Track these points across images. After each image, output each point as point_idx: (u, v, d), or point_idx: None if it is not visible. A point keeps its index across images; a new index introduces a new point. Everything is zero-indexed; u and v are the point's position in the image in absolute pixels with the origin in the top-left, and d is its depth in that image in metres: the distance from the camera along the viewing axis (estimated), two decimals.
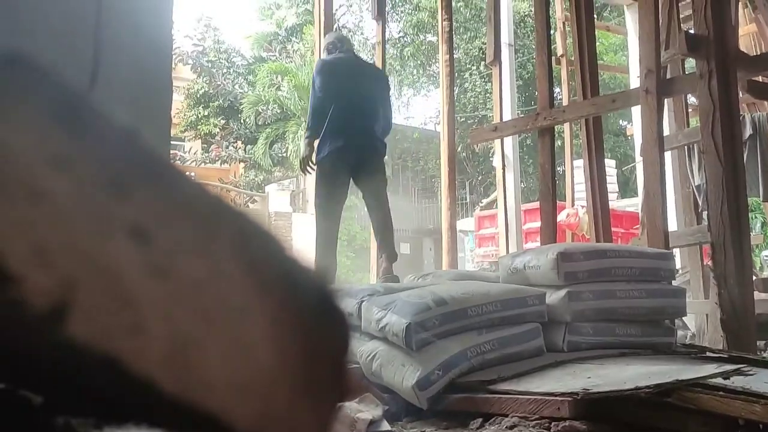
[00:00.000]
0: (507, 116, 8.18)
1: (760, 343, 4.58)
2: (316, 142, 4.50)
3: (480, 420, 2.33)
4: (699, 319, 5.30)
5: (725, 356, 2.99)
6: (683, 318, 4.61)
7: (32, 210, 0.37)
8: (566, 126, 9.97)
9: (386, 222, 4.62)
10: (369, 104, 4.55)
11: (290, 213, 15.19)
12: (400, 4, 20.70)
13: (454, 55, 7.17)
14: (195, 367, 0.38)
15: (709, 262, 4.11)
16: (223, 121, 17.99)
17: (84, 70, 1.19)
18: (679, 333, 4.38)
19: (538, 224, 5.74)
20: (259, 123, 17.14)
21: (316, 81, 4.56)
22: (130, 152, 0.43)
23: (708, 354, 3.13)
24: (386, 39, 6.98)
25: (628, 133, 15.13)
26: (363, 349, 2.83)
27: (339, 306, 0.47)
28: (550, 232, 5.09)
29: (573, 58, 5.48)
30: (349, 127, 4.38)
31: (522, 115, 9.19)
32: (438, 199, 18.31)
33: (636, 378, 2.19)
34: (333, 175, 4.43)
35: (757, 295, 4.34)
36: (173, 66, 1.44)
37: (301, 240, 14.53)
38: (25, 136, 0.38)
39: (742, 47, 6.13)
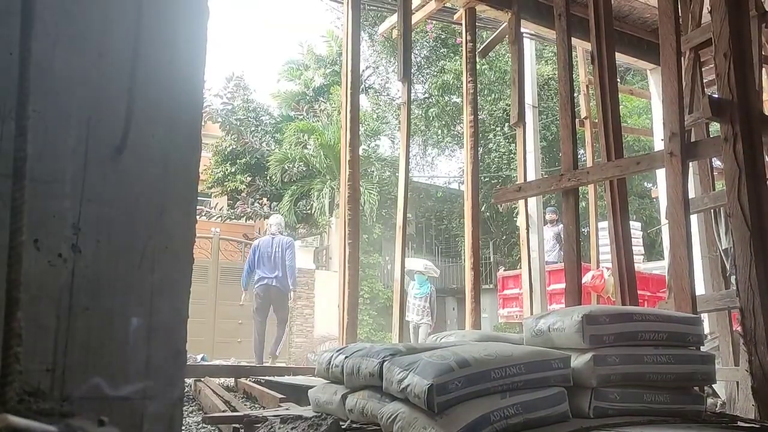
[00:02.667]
0: (531, 177, 8.21)
1: None
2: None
3: None
4: (729, 386, 5.15)
5: (757, 426, 2.90)
6: (713, 385, 4.48)
7: None
8: (591, 187, 9.98)
9: (282, 327, 9.49)
10: (278, 262, 9.17)
11: (313, 270, 15.21)
12: (425, 66, 21.10)
13: (479, 116, 7.25)
14: None
15: (739, 328, 4.02)
16: (249, 178, 18.23)
17: (117, 126, 1.22)
18: (709, 401, 4.26)
19: (562, 285, 5.68)
20: (285, 180, 17.35)
21: (251, 254, 9.37)
22: None
23: (739, 423, 3.03)
24: (411, 100, 7.11)
25: (653, 195, 15.07)
26: (384, 411, 2.78)
27: None
28: (575, 293, 5.02)
29: (597, 120, 5.50)
30: (269, 275, 9.12)
31: (546, 176, 9.21)
32: (461, 258, 18.21)
33: None
34: (261, 298, 9.21)
35: None
36: (203, 123, 1.48)
37: (324, 296, 14.51)
38: None
39: (767, 111, 6.12)
